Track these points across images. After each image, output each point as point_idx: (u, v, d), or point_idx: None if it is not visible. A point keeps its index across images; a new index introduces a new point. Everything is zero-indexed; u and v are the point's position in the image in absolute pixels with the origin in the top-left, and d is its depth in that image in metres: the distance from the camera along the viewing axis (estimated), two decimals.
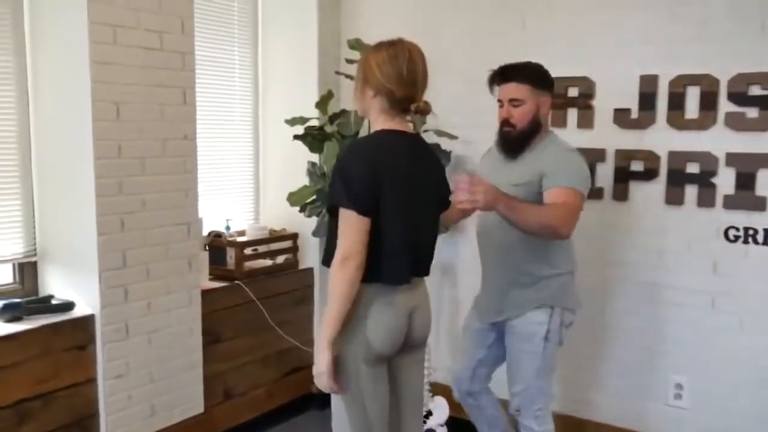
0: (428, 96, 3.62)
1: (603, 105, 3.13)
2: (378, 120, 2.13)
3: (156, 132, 2.95)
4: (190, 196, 3.12)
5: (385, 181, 2.02)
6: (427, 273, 2.24)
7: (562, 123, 3.22)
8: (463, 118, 3.51)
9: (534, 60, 3.25)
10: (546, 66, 3.21)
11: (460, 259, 3.64)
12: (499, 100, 2.61)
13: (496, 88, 2.62)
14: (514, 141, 2.58)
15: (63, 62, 2.77)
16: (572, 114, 3.21)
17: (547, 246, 2.55)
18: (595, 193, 3.16)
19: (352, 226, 1.99)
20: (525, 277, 2.59)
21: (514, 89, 2.54)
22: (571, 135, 3.19)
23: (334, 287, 2.00)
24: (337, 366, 2.05)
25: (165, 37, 2.94)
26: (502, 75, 2.59)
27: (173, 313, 3.08)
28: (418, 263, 2.19)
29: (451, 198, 2.25)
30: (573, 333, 3.26)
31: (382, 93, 2.10)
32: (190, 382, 3.19)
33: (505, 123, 2.58)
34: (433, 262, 2.26)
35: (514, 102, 2.54)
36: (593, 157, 3.15)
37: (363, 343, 2.07)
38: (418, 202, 2.13)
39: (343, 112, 3.49)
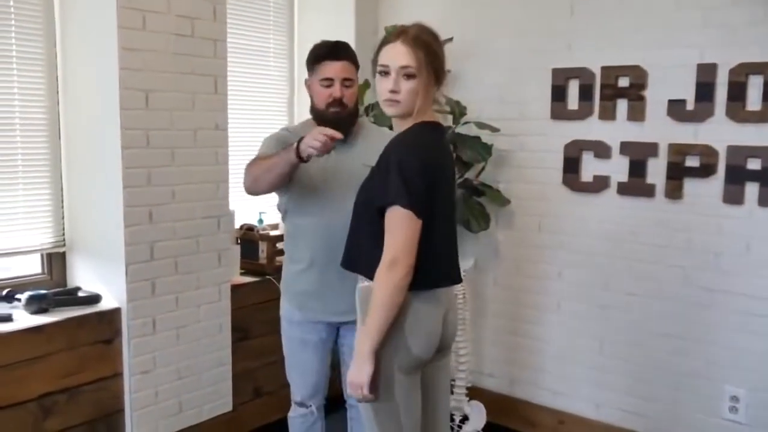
0: (470, 86, 3.50)
1: (656, 96, 2.92)
2: (421, 113, 1.94)
3: (186, 121, 2.86)
4: (221, 189, 3.03)
5: (437, 181, 1.89)
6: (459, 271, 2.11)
7: (611, 115, 3.03)
8: (506, 109, 3.35)
9: (582, 48, 3.11)
10: (595, 54, 3.06)
11: (496, 254, 3.48)
12: (330, 78, 2.33)
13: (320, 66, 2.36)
14: (346, 121, 2.36)
15: (92, 49, 2.71)
16: (622, 106, 3.01)
17: None
18: (647, 191, 2.97)
19: (405, 228, 1.83)
20: None
21: (345, 68, 2.34)
22: (620, 128, 3.02)
23: (379, 295, 1.83)
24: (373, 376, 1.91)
25: (196, 23, 2.85)
26: (336, 52, 2.36)
27: (202, 308, 2.99)
28: (457, 262, 2.06)
29: None
30: (621, 338, 3.10)
31: (439, 85, 1.94)
32: (218, 380, 3.10)
33: (335, 103, 2.33)
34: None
35: (347, 81, 2.34)
36: (644, 151, 2.95)
37: (401, 349, 1.91)
38: (452, 197, 2.02)
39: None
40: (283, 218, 2.49)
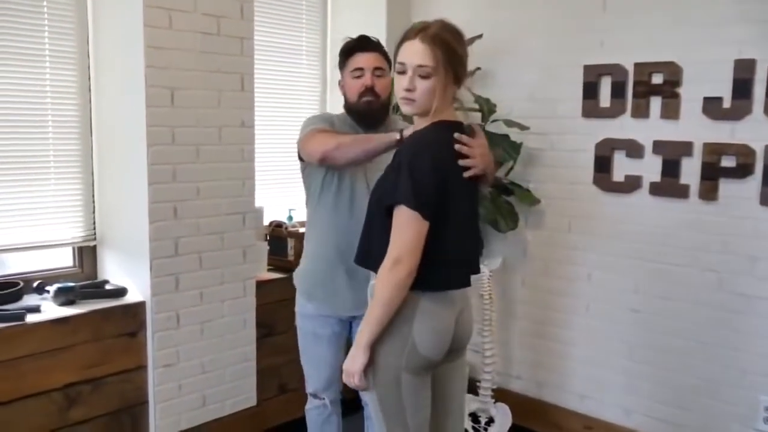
0: (501, 83, 3.44)
1: (691, 93, 2.81)
2: (438, 112, 1.90)
3: (212, 119, 2.89)
4: (247, 186, 3.05)
5: (449, 182, 1.86)
6: (478, 271, 2.07)
7: (644, 113, 2.93)
8: (537, 107, 3.28)
9: (615, 44, 3.02)
10: (628, 50, 2.96)
11: (525, 254, 3.41)
12: (360, 69, 2.33)
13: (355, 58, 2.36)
14: (378, 112, 2.35)
15: (120, 47, 2.76)
16: (655, 103, 2.90)
17: None
18: (680, 191, 2.86)
19: (411, 229, 1.81)
20: None
21: (377, 58, 2.35)
22: (653, 127, 2.92)
23: (380, 290, 1.83)
24: (375, 373, 1.91)
25: (223, 21, 2.88)
26: (365, 43, 2.37)
27: (226, 303, 3.02)
28: (472, 264, 2.03)
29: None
30: (652, 343, 3.00)
31: (458, 86, 1.91)
32: (243, 375, 3.13)
33: (366, 92, 2.33)
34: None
35: (378, 71, 2.33)
36: (678, 151, 2.85)
37: (409, 349, 1.89)
38: (466, 196, 1.96)
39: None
40: (308, 205, 2.48)
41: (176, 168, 2.79)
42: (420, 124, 1.94)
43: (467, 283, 2.00)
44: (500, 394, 3.34)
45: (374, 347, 1.89)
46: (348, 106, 2.41)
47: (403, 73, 1.86)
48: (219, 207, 2.95)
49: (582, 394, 3.26)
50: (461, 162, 1.90)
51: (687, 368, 2.91)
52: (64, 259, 2.97)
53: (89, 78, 2.87)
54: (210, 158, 2.90)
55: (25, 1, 2.66)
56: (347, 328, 2.49)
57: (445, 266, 1.90)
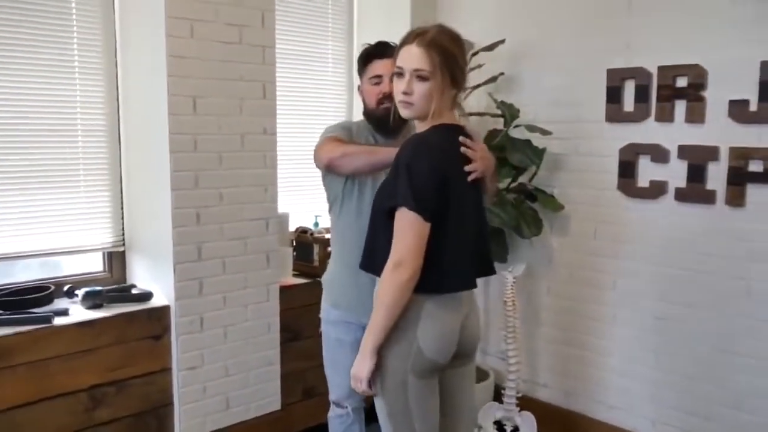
0: (524, 88, 3.41)
1: (716, 96, 2.74)
2: (437, 115, 1.92)
3: (234, 126, 2.94)
4: (269, 192, 3.09)
5: (449, 184, 1.87)
6: (488, 273, 2.08)
7: (668, 117, 2.87)
8: (561, 111, 3.25)
9: (639, 47, 2.97)
10: (652, 53, 2.91)
11: (550, 261, 3.37)
12: (379, 76, 2.32)
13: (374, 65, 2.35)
14: (393, 122, 2.27)
15: (144, 57, 2.83)
16: (680, 107, 2.84)
17: None
18: (706, 197, 2.79)
19: (412, 231, 1.82)
20: None
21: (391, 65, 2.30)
22: (678, 131, 2.86)
23: (383, 294, 1.85)
24: (382, 377, 1.92)
25: (244, 30, 2.93)
26: (385, 49, 2.32)
27: (250, 308, 3.07)
28: (478, 265, 2.03)
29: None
30: (679, 352, 2.93)
31: (457, 90, 1.93)
32: (267, 378, 3.17)
33: (385, 99, 2.30)
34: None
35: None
36: (704, 155, 2.78)
37: (414, 352, 1.90)
38: (470, 198, 1.97)
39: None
40: (331, 211, 2.49)
41: (199, 174, 2.85)
42: (420, 128, 1.95)
43: (472, 286, 1.99)
44: (526, 403, 3.31)
45: (380, 352, 1.90)
46: (367, 112, 2.42)
47: (400, 76, 1.88)
48: (242, 212, 3.00)
49: (609, 403, 3.20)
50: (467, 167, 1.91)
51: (713, 378, 2.84)
52: (95, 264, 3.07)
53: (117, 88, 2.96)
54: (232, 165, 2.95)
55: (55, 15, 2.75)
56: None
57: (448, 268, 1.90)
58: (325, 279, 2.54)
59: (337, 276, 2.48)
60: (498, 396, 3.34)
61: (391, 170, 1.93)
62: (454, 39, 1.91)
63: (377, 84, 2.34)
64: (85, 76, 2.87)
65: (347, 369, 2.49)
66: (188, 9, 2.75)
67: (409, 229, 1.82)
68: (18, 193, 2.74)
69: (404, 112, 1.92)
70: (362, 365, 1.91)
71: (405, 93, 1.87)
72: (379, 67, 2.33)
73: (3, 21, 2.63)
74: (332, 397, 2.59)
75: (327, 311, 2.52)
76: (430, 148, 1.87)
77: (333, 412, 2.61)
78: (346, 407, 2.55)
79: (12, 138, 2.70)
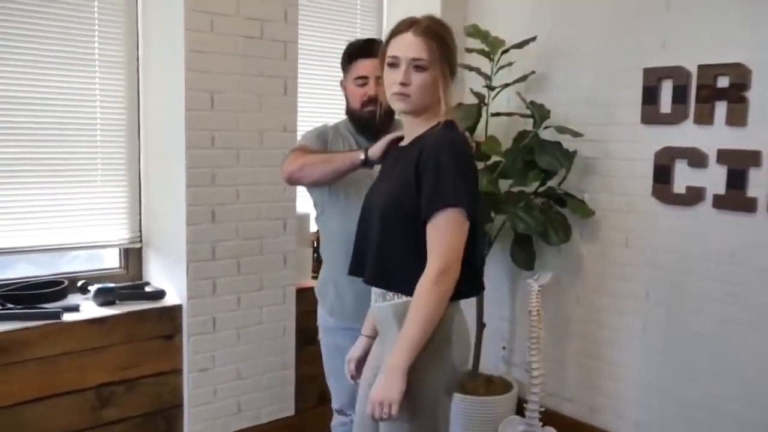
0: (556, 88, 3.27)
1: (760, 97, 2.56)
2: (437, 110, 1.82)
3: (253, 123, 2.88)
4: (288, 191, 3.01)
5: (477, 183, 1.80)
6: None
7: (708, 119, 2.70)
8: (594, 112, 3.10)
9: (677, 45, 2.81)
10: (692, 52, 2.75)
11: (578, 269, 3.21)
12: (365, 76, 2.19)
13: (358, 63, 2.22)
14: (378, 122, 2.18)
15: (164, 51, 2.79)
16: (720, 108, 2.67)
17: None
18: (747, 205, 2.61)
19: (460, 233, 1.69)
20: None
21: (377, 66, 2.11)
22: (718, 134, 2.69)
23: (423, 307, 1.67)
24: (412, 399, 1.73)
25: (266, 25, 2.86)
26: (371, 49, 2.17)
27: (265, 310, 2.99)
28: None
29: None
30: (714, 370, 2.75)
31: (453, 81, 1.81)
32: (281, 383, 3.09)
33: (369, 102, 2.18)
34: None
35: (381, 79, 2.07)
36: (745, 160, 2.60)
37: (448, 368, 1.76)
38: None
39: (459, 105, 3.23)
40: (318, 218, 2.41)
41: (215, 171, 2.79)
42: (414, 123, 1.82)
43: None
44: (549, 417, 3.15)
45: (410, 370, 1.70)
46: (350, 112, 2.30)
47: (395, 66, 1.75)
48: (259, 212, 2.93)
49: (637, 421, 3.03)
50: None
51: (754, 400, 2.65)
52: (112, 261, 3.03)
53: (138, 82, 2.92)
54: (250, 162, 2.88)
55: (76, 7, 2.73)
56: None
57: (479, 270, 1.83)
58: (318, 287, 2.44)
59: (330, 282, 2.37)
60: (521, 409, 3.20)
61: (403, 174, 1.76)
62: (448, 30, 1.80)
63: (362, 86, 2.21)
64: (106, 70, 2.84)
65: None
66: (208, 2, 2.70)
67: (457, 231, 1.69)
68: (35, 186, 2.71)
69: (398, 105, 1.78)
70: (393, 387, 1.67)
71: (402, 84, 1.73)
72: (364, 67, 2.20)
73: (22, 13, 2.60)
74: (335, 405, 2.48)
75: (323, 319, 2.42)
76: (467, 145, 1.81)
77: (336, 421, 2.50)
78: (350, 415, 2.45)
79: (30, 132, 2.68)
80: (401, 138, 1.93)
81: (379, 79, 2.13)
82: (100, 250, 2.98)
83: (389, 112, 2.19)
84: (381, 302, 1.82)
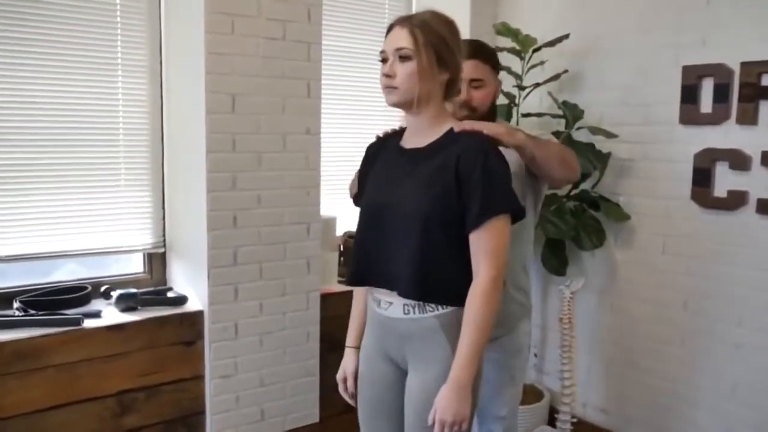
0: (590, 87, 3.14)
1: None
2: (443, 111, 1.76)
3: (275, 125, 2.82)
4: (312, 195, 2.95)
5: None
6: None
7: (751, 120, 2.56)
8: (630, 112, 2.97)
9: (719, 41, 2.66)
10: (734, 48, 2.60)
11: (613, 276, 3.08)
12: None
13: None
14: None
15: (185, 54, 2.75)
16: (765, 108, 2.53)
17: (531, 232, 2.21)
18: None
19: (507, 238, 1.67)
20: (520, 279, 2.16)
21: (475, 68, 2.03)
22: (763, 135, 2.55)
23: (481, 318, 1.62)
24: (472, 415, 1.69)
25: (288, 26, 2.80)
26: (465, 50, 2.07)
27: (288, 315, 2.94)
28: None
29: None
30: (757, 384, 2.60)
31: (451, 78, 1.73)
32: (305, 390, 3.03)
33: (464, 106, 2.06)
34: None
35: (475, 82, 2.04)
36: None
37: (479, 374, 1.72)
38: None
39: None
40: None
41: (237, 176, 2.74)
42: (420, 124, 1.75)
43: None
44: (581, 428, 3.05)
45: None
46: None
47: (384, 62, 1.70)
48: (281, 216, 2.88)
49: None
50: None
51: None
52: (134, 265, 3.02)
53: (161, 86, 2.89)
54: (273, 166, 2.83)
55: (99, 11, 2.70)
56: None
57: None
58: None
59: None
60: (552, 419, 3.09)
61: (440, 182, 1.68)
62: (443, 20, 1.72)
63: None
64: (128, 75, 2.81)
65: None
66: (229, 4, 2.64)
67: (506, 237, 1.67)
68: (58, 191, 2.70)
69: (389, 99, 1.72)
70: (465, 403, 1.62)
71: (387, 75, 1.68)
72: None
73: (46, 19, 2.59)
74: None
75: None
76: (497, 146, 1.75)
77: None
78: None
79: (54, 136, 2.66)
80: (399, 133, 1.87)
81: (472, 83, 2.05)
82: (125, 255, 2.96)
83: (486, 118, 2.05)
84: (416, 313, 1.72)
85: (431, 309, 1.71)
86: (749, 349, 2.63)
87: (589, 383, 3.19)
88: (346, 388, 2.02)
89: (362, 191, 1.91)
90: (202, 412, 2.80)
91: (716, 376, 2.73)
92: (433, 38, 1.66)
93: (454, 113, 1.91)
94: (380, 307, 1.80)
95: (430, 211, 1.67)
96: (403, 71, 1.66)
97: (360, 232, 1.84)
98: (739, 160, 2.61)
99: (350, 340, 2.01)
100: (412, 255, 1.68)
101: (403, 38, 1.66)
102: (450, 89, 1.76)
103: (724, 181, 2.67)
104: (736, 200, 2.63)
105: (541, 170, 1.95)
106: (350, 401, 2.02)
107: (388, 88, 1.70)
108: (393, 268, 1.73)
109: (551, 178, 2.03)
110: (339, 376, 2.03)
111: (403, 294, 1.72)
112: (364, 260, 1.81)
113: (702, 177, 2.73)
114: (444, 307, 1.70)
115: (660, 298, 2.91)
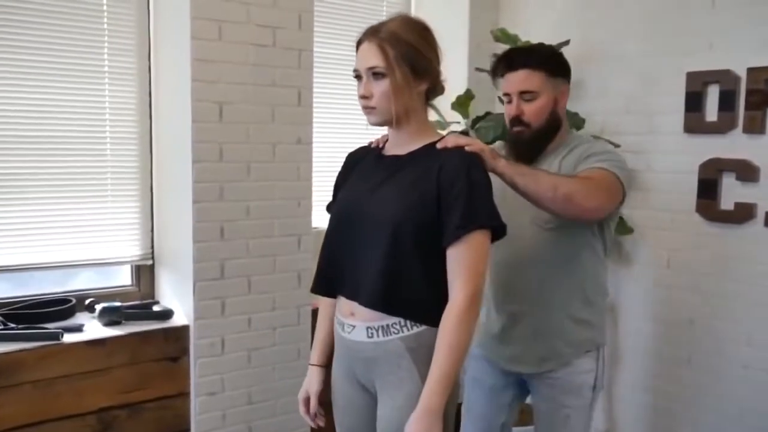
0: (592, 95, 3.04)
1: None
2: (425, 124, 1.69)
3: (265, 135, 2.74)
4: (303, 206, 2.87)
5: None
6: None
7: (758, 128, 2.47)
8: (632, 121, 2.87)
9: (725, 47, 2.55)
10: (741, 54, 2.49)
11: (624, 295, 2.96)
12: (507, 94, 1.98)
13: (500, 80, 2.01)
14: (528, 144, 1.96)
15: (172, 62, 2.69)
16: None
17: (594, 260, 2.00)
18: None
19: (486, 254, 1.57)
20: (578, 310, 1.98)
21: (525, 78, 1.92)
22: None
23: (456, 338, 1.52)
24: None
25: (279, 32, 2.73)
26: (509, 61, 1.97)
27: (278, 331, 2.85)
28: None
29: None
30: (764, 409, 2.47)
31: (431, 86, 1.65)
32: (295, 408, 2.84)
33: (515, 121, 1.96)
34: None
35: (526, 95, 1.92)
36: None
37: (453, 399, 1.62)
38: None
39: (488, 114, 3.04)
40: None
41: (224, 186, 2.66)
42: (402, 137, 1.68)
43: None
44: None
45: None
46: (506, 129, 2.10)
47: (359, 79, 1.64)
48: (271, 228, 2.79)
49: None
50: None
51: None
52: (122, 278, 2.94)
53: (149, 94, 2.82)
54: (262, 176, 2.75)
55: (85, 17, 2.64)
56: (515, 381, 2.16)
57: None
58: None
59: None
60: None
61: (419, 195, 1.59)
62: (413, 28, 1.63)
63: (509, 102, 1.99)
64: (116, 82, 2.74)
65: (481, 414, 2.20)
66: (217, 9, 2.57)
67: (485, 254, 1.57)
68: (43, 201, 2.63)
69: (369, 119, 1.67)
70: (433, 429, 1.52)
71: (364, 97, 1.62)
72: (505, 83, 1.99)
73: (31, 25, 2.54)
74: None
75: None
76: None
77: None
78: None
79: (38, 145, 2.60)
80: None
81: (522, 95, 1.93)
82: (114, 267, 2.89)
83: (542, 130, 1.96)
84: (379, 336, 1.63)
85: (395, 331, 1.61)
86: (759, 371, 2.51)
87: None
88: (308, 410, 1.90)
89: (335, 198, 1.82)
90: (187, 430, 2.71)
91: (724, 399, 2.62)
92: (405, 50, 1.58)
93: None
94: (344, 331, 1.71)
95: (403, 218, 1.58)
96: (378, 90, 1.60)
97: (328, 237, 1.76)
98: (746, 171, 2.50)
99: (314, 357, 1.92)
100: (377, 262, 1.59)
101: (372, 55, 1.59)
102: (431, 95, 1.68)
103: (731, 193, 2.57)
104: (743, 213, 2.52)
105: (529, 200, 1.79)
106: (311, 423, 1.93)
107: (367, 109, 1.64)
108: (358, 276, 1.64)
109: (547, 210, 1.84)
110: (301, 395, 1.94)
111: (364, 303, 1.63)
112: (329, 267, 1.74)
113: (708, 189, 2.62)
114: (411, 327, 1.60)
115: (664, 316, 2.80)
